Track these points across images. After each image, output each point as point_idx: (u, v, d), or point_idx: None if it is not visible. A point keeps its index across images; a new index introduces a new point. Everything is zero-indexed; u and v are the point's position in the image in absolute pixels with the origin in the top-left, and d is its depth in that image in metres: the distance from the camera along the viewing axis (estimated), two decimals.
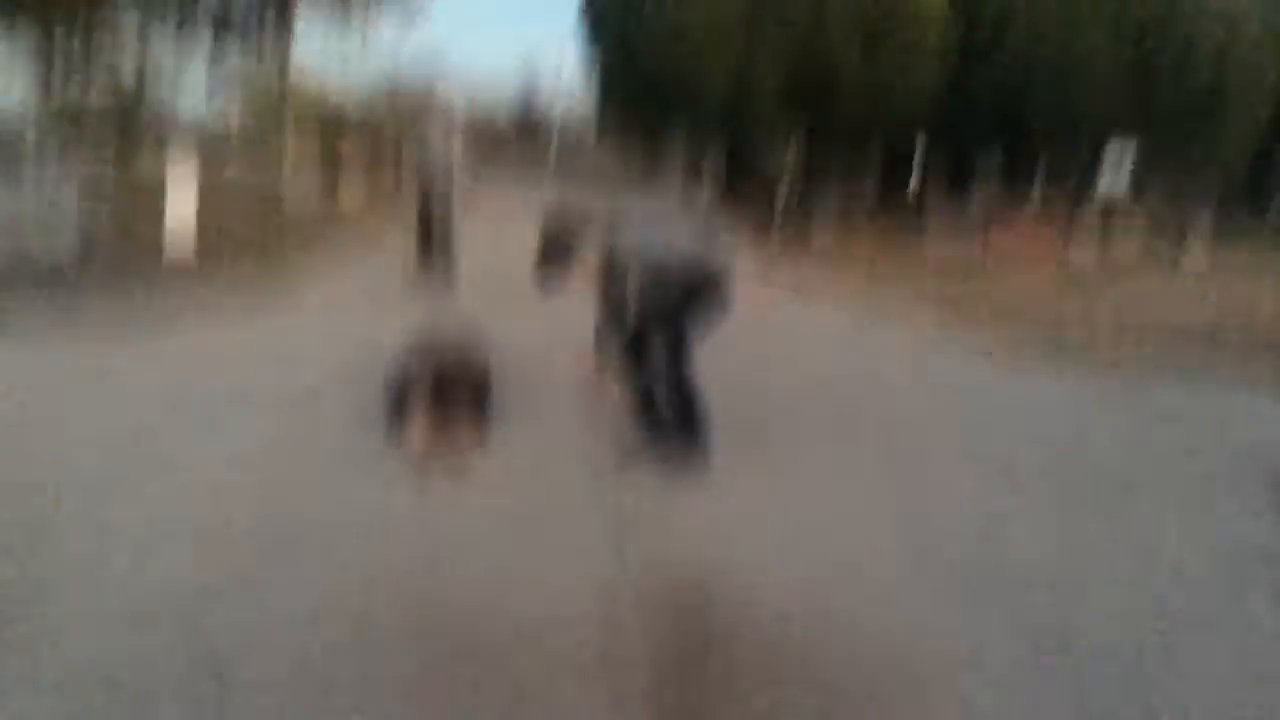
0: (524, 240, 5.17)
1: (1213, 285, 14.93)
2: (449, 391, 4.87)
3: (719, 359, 5.03)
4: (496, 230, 11.99)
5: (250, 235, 13.06)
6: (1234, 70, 20.60)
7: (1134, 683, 2.97)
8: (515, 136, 38.60)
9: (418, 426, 4.69)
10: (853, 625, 3.22)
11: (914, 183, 26.35)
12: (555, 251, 4.67)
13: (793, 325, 9.97)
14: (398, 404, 4.86)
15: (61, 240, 10.15)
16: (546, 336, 7.15)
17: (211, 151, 16.54)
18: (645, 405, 4.68)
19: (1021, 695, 2.86)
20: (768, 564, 3.65)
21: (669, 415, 4.60)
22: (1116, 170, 20.83)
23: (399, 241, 11.47)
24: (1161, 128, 20.50)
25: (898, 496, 4.47)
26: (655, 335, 4.54)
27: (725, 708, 2.73)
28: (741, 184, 22.70)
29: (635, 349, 4.63)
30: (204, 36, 17.00)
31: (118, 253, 10.54)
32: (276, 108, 20.02)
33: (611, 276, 4.63)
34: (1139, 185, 21.10)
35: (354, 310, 8.44)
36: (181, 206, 11.52)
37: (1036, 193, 23.08)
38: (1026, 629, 3.26)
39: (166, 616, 3.06)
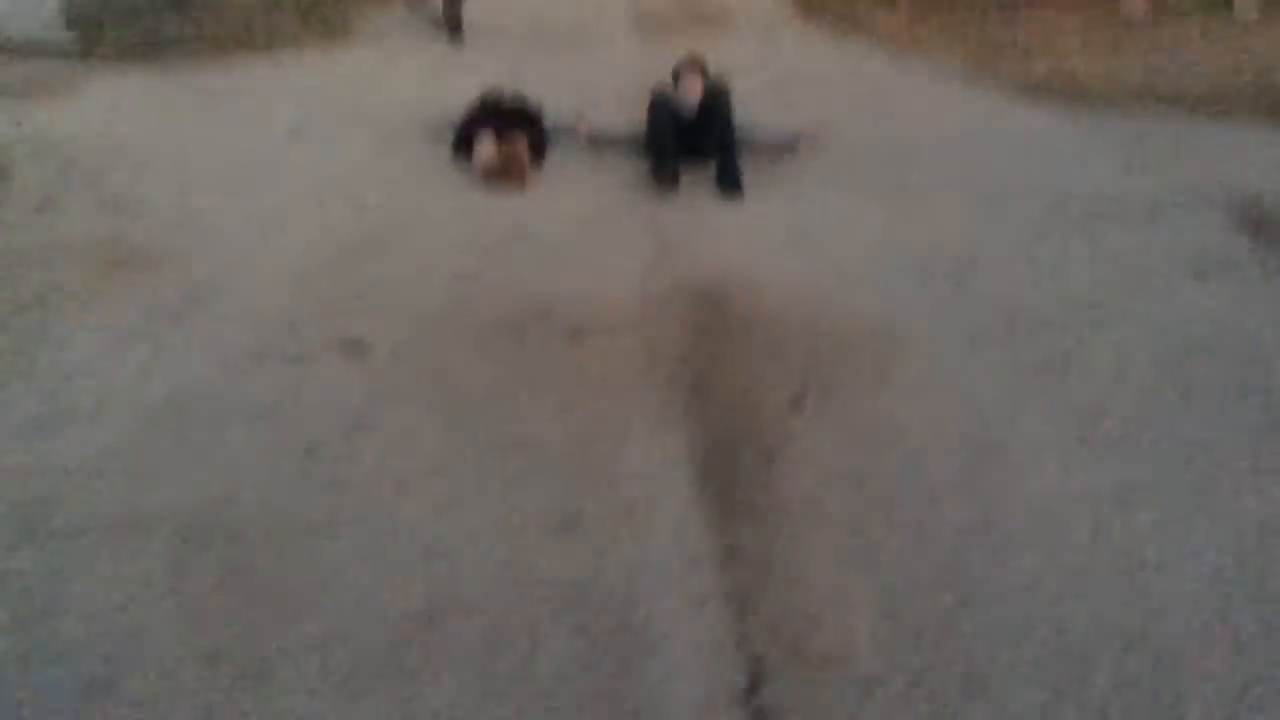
0: None
1: (1261, 37, 14.82)
2: (508, 124, 5.63)
3: (753, 103, 5.69)
4: None
5: None
6: None
7: (1062, 343, 3.76)
8: None
9: (484, 151, 5.44)
10: (840, 304, 4.05)
11: None
12: None
13: (824, 66, 10.40)
14: (465, 134, 5.63)
15: None
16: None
17: None
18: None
19: (971, 356, 3.68)
20: (776, 260, 4.47)
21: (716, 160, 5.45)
22: None
23: None
24: None
25: (889, 213, 5.21)
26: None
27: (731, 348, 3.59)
28: None
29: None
30: None
31: None
32: None
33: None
34: None
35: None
36: None
37: None
38: (981, 308, 4.05)
39: (326, 269, 3.97)
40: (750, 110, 6.01)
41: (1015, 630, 2.27)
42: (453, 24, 10.01)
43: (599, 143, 5.97)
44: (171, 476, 2.66)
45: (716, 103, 5.62)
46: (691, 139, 5.58)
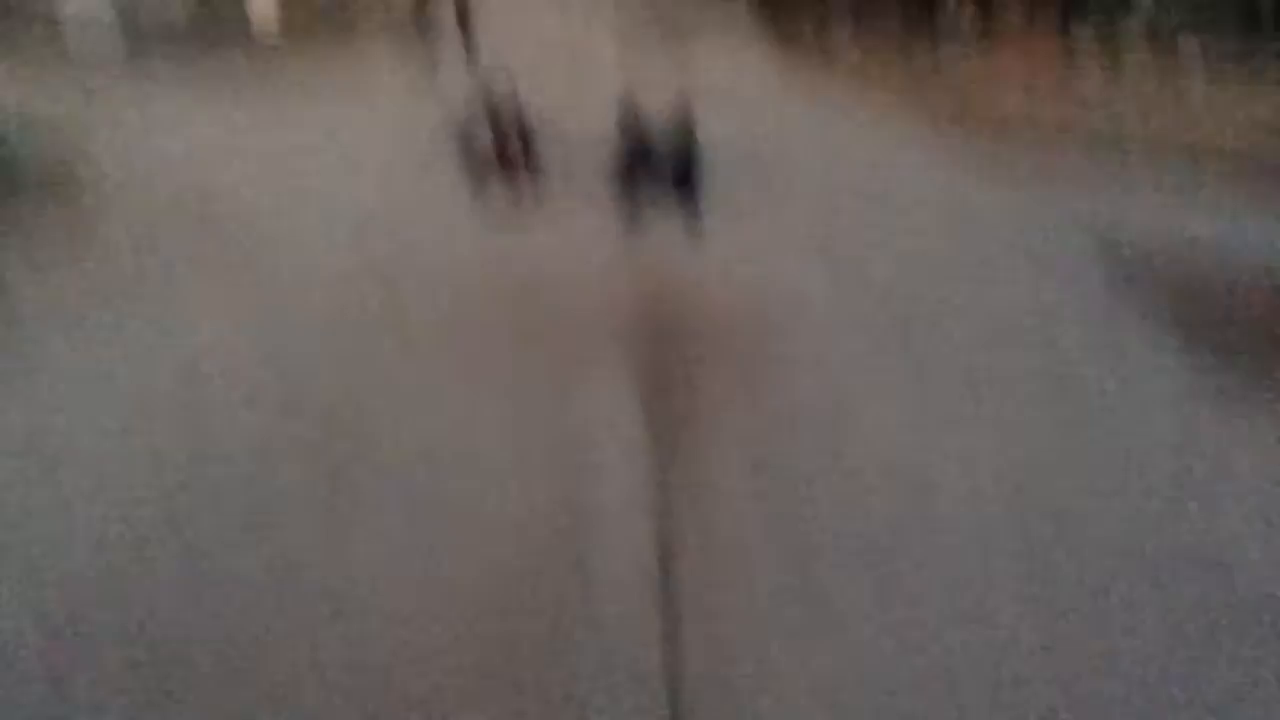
0: None
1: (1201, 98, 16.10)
2: (507, 145, 6.84)
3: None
4: None
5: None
6: None
7: (913, 316, 4.99)
8: None
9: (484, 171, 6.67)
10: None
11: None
12: None
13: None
14: (469, 157, 6.86)
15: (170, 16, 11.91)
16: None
17: None
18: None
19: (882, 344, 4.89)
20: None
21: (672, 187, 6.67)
22: None
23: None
24: None
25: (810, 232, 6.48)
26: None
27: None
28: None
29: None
30: None
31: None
32: None
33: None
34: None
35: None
36: None
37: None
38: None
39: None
40: None
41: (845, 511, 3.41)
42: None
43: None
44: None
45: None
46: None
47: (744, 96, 11.61)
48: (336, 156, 7.43)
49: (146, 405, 3.59)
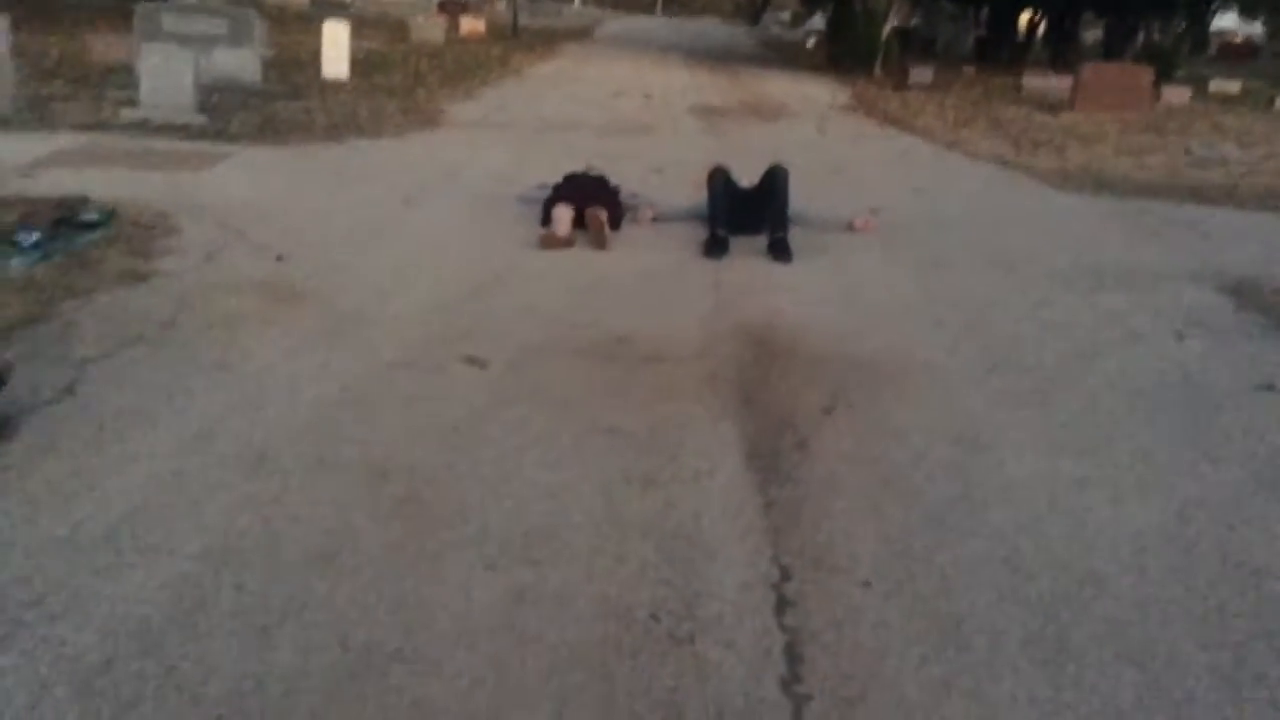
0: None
1: None
2: (588, 197, 6.64)
3: (804, 179, 6.62)
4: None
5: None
6: None
7: (1049, 379, 4.55)
8: None
9: (560, 221, 6.39)
10: (869, 341, 4.88)
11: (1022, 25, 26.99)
12: None
13: (871, 151, 11.37)
14: (550, 205, 6.61)
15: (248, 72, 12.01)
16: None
17: None
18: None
19: (971, 384, 4.47)
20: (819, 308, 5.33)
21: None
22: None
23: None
24: None
25: (919, 275, 6.06)
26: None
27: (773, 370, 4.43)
28: (846, 24, 23.62)
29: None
30: None
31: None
32: None
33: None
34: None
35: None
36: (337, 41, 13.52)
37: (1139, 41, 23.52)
38: (985, 349, 4.85)
39: (447, 306, 4.88)
40: (807, 191, 6.96)
41: (977, 557, 3.05)
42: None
43: (664, 221, 6.96)
44: (351, 440, 3.54)
45: (774, 180, 6.57)
46: (748, 212, 6.52)
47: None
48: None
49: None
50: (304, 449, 3.45)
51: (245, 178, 7.47)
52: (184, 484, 3.17)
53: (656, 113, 14.03)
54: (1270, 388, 4.56)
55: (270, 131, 9.47)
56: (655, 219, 7.00)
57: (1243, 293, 6.08)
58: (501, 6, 38.21)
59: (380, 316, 4.81)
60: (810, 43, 35.86)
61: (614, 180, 7.22)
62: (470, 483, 3.31)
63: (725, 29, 53.68)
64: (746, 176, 6.92)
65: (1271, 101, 20.45)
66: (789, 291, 5.64)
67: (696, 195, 7.04)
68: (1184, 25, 22.59)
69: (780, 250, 6.27)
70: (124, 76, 11.06)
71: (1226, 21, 42.52)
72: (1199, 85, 21.88)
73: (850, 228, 6.97)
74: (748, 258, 6.26)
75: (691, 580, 2.85)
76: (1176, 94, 19.47)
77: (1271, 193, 10.26)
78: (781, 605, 2.76)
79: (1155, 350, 5.03)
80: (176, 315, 4.58)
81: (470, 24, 26.73)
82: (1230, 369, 4.82)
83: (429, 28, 22.68)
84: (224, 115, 9.83)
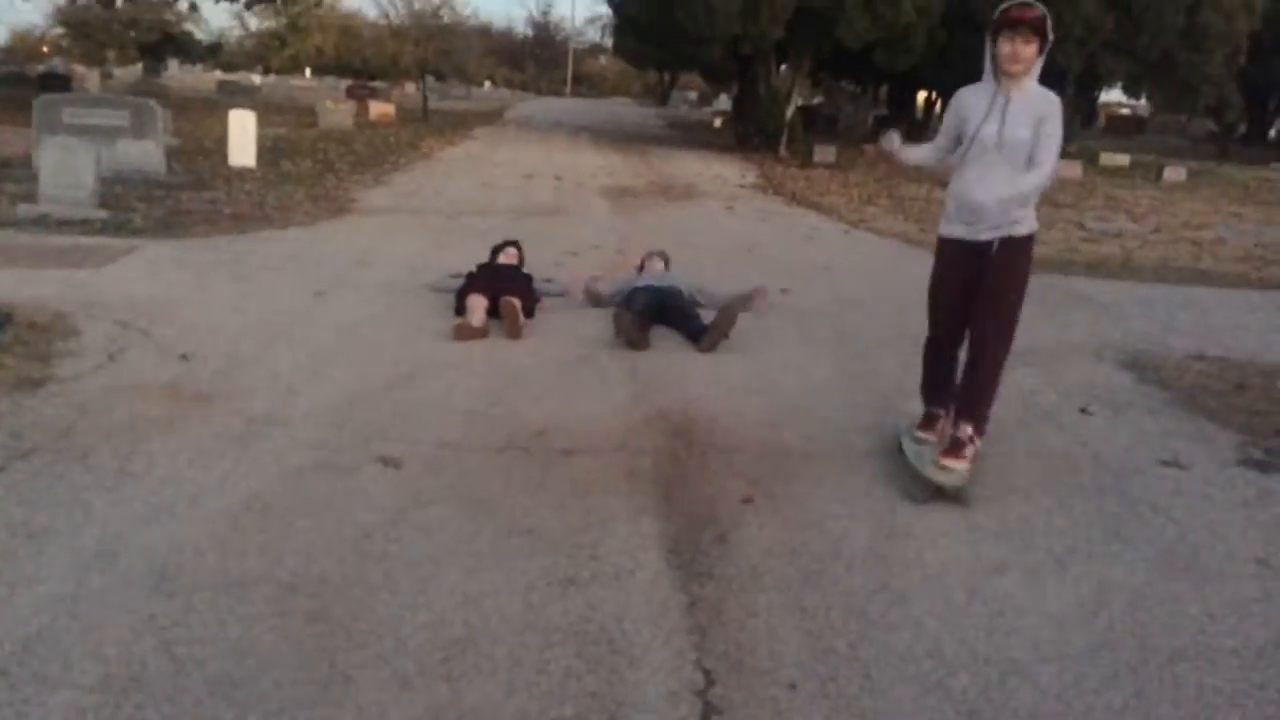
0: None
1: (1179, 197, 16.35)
2: (502, 285, 6.62)
3: (716, 259, 6.69)
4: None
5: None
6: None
7: None
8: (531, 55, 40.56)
9: (474, 312, 6.36)
10: (786, 429, 4.90)
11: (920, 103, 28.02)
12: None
13: (779, 229, 11.61)
14: (464, 295, 6.58)
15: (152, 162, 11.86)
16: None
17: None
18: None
19: (892, 466, 4.51)
20: (733, 395, 5.36)
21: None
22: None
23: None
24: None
25: (832, 358, 6.14)
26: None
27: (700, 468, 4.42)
28: (751, 104, 24.23)
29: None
30: None
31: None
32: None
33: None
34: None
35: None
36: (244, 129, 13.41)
37: None
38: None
39: (359, 403, 4.78)
40: (719, 272, 7.06)
41: (899, 652, 3.04)
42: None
43: (593, 298, 7.09)
44: (259, 553, 3.42)
45: (675, 279, 6.88)
46: (660, 306, 6.63)
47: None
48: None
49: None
50: (209, 564, 3.32)
51: (148, 273, 7.30)
52: (82, 607, 3.02)
53: (568, 195, 14.17)
54: (1174, 464, 4.68)
55: (175, 224, 9.32)
56: (590, 294, 7.23)
57: (1142, 366, 6.28)
58: (411, 90, 38.63)
59: (290, 416, 4.70)
60: (717, 122, 36.72)
61: (526, 267, 7.25)
62: (384, 594, 3.22)
63: (635, 109, 54.74)
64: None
65: (1160, 173, 21.41)
66: (704, 379, 5.66)
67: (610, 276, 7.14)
68: (1072, 93, 23.55)
69: (696, 333, 6.33)
70: (23, 170, 10.82)
71: (1114, 94, 44.65)
72: (1090, 158, 22.84)
73: (749, 302, 7.08)
74: (665, 348, 6.27)
75: (615, 688, 2.79)
76: (1069, 168, 20.27)
77: (1164, 264, 10.72)
78: (707, 713, 2.71)
79: (1063, 427, 5.16)
80: (75, 422, 4.42)
81: (380, 108, 26.97)
82: (1135, 445, 4.95)
83: (338, 113, 22.79)
84: (127, 208, 9.65)
